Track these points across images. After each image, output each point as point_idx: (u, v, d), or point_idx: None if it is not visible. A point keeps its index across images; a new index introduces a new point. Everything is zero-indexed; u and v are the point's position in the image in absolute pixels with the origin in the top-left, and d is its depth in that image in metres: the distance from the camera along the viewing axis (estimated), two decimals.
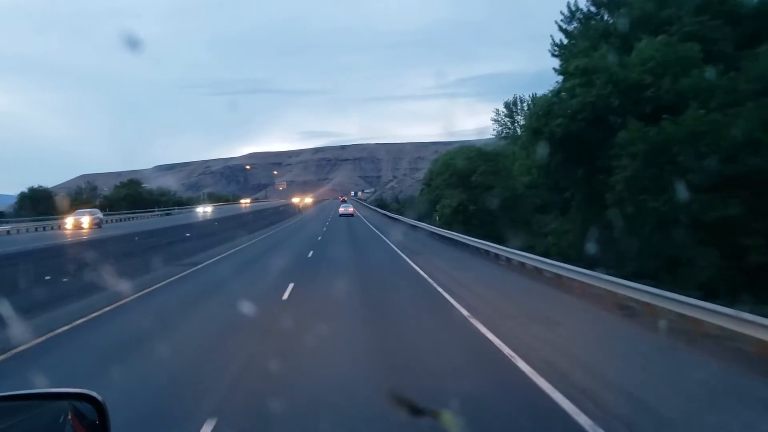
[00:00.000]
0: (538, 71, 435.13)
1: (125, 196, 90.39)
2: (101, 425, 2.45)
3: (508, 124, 62.11)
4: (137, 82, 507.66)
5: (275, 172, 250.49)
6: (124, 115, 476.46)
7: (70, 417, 2.48)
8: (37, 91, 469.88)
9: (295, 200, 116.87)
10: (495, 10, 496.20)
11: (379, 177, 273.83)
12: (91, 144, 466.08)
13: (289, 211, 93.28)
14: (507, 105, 60.13)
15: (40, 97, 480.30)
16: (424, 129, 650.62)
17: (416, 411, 6.03)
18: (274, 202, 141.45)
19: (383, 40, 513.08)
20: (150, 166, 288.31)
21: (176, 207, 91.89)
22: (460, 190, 38.82)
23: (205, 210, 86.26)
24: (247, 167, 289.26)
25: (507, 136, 55.79)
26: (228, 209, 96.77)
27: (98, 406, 2.46)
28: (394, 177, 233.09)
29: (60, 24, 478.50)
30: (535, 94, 62.95)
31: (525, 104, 61.71)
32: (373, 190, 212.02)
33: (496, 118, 60.25)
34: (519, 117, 59.31)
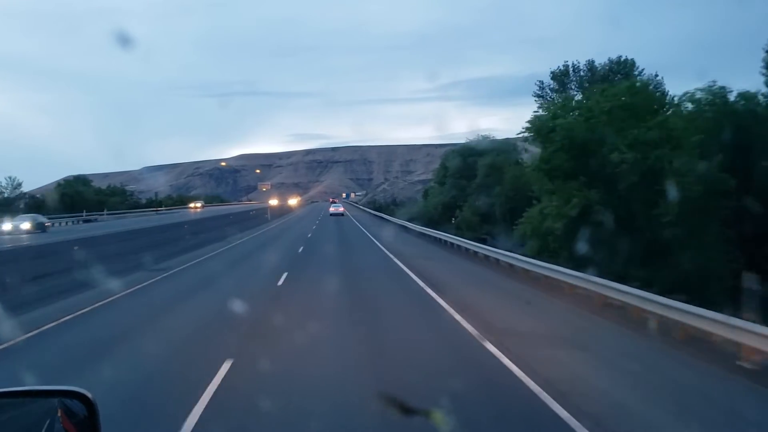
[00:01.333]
0: (530, 75, 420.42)
1: (61, 196, 68.70)
2: (91, 423, 2.36)
3: (557, 99, 42.42)
4: (127, 83, 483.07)
5: (258, 171, 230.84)
6: (113, 116, 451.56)
7: (59, 414, 2.41)
8: (25, 90, 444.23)
9: (273, 202, 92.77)
10: (487, 14, 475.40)
11: (370, 179, 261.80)
12: (80, 144, 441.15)
13: (258, 218, 62.08)
14: (556, 75, 41.51)
15: (27, 96, 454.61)
16: (416, 132, 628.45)
17: (407, 410, 6.02)
18: (247, 204, 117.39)
19: (375, 43, 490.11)
20: (139, 167, 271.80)
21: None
22: (580, 184, 17.85)
23: (15, 226, 39.47)
24: (223, 163, 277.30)
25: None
26: (144, 220, 56.40)
27: (88, 404, 2.37)
28: (386, 179, 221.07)
29: (49, 24, 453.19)
30: (593, 60, 43.17)
31: (582, 73, 42.41)
32: (364, 192, 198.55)
33: (539, 92, 41.74)
34: (573, 90, 40.51)
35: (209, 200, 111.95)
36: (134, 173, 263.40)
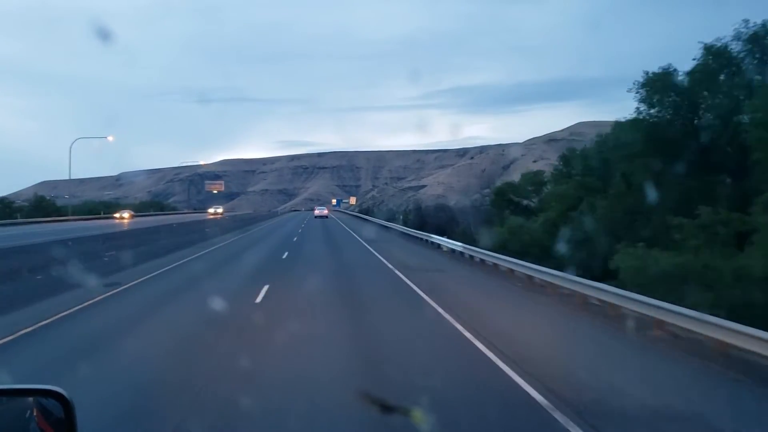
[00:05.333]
0: (517, 83, 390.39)
1: None
2: (68, 422, 2.18)
3: None
4: (109, 86, 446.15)
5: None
6: (93, 121, 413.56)
7: (35, 414, 2.27)
8: (2, 93, 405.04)
9: (125, 214, 56.59)
10: (474, 22, 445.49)
11: (358, 186, 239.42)
12: (55, 150, 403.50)
13: None
14: None
15: (3, 99, 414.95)
16: (405, 139, 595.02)
17: (387, 408, 5.78)
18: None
19: (362, 50, 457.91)
20: (117, 173, 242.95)
21: None
22: None
23: None
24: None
25: None
26: None
27: (64, 403, 2.19)
28: (374, 186, 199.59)
29: (30, 25, 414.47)
30: None
31: None
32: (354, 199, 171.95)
33: None
34: None
35: (147, 207, 75.28)
36: (111, 179, 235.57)
